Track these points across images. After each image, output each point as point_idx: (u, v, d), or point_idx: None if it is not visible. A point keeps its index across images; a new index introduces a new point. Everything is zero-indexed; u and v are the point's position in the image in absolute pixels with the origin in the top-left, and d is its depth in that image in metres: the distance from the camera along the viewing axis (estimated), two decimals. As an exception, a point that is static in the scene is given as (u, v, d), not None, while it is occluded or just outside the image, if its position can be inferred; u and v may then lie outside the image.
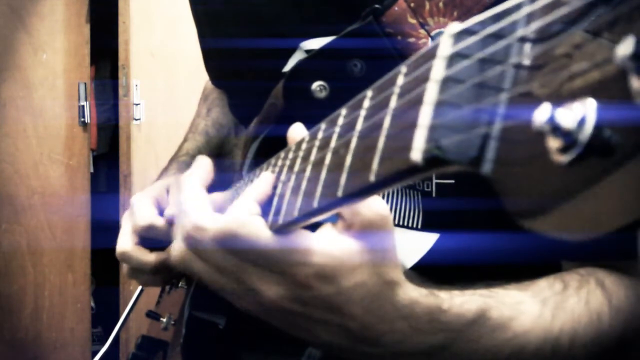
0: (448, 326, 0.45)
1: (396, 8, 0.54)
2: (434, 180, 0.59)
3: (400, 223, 0.60)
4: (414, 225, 0.60)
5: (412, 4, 0.54)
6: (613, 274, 0.54)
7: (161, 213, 0.73)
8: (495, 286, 0.50)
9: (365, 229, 0.41)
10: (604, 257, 0.54)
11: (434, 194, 0.59)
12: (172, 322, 0.99)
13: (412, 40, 0.54)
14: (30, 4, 2.14)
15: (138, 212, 0.72)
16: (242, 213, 0.42)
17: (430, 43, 0.54)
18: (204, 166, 0.54)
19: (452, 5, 0.53)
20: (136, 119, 2.21)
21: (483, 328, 0.46)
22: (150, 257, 0.73)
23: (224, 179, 0.69)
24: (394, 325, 0.43)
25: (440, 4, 0.53)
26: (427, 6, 0.53)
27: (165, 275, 0.77)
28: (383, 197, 0.61)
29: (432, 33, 0.54)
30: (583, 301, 0.51)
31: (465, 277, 0.50)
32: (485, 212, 0.55)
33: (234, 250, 0.42)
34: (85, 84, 2.22)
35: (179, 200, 0.48)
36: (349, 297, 0.41)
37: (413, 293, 0.44)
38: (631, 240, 0.48)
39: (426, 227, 0.59)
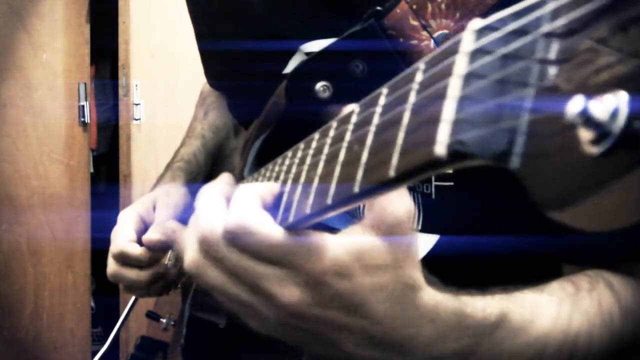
0: (474, 330, 0.44)
1: (398, 10, 0.54)
2: (433, 182, 0.59)
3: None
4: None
5: (414, 6, 0.54)
6: (618, 275, 0.54)
7: (145, 230, 0.74)
8: (511, 289, 0.49)
9: (390, 228, 0.39)
10: (607, 258, 0.54)
11: (433, 196, 0.59)
12: (172, 323, 0.99)
13: (414, 42, 0.54)
14: (30, 4, 2.14)
15: (115, 236, 0.72)
16: (250, 208, 0.40)
17: (432, 45, 0.54)
18: (224, 179, 0.51)
19: (454, 7, 0.53)
20: (136, 119, 2.21)
21: (505, 331, 0.46)
22: (139, 275, 0.74)
23: None
24: (420, 329, 0.42)
25: (443, 6, 0.53)
26: (429, 8, 0.53)
27: (159, 286, 0.78)
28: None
29: (435, 35, 0.54)
30: (595, 302, 0.51)
31: (464, 279, 0.49)
32: (485, 214, 0.56)
33: (247, 248, 0.40)
34: (85, 84, 2.22)
35: (195, 209, 0.46)
36: (367, 296, 0.40)
37: (437, 296, 0.43)
38: (636, 242, 0.48)
39: (425, 228, 0.59)
